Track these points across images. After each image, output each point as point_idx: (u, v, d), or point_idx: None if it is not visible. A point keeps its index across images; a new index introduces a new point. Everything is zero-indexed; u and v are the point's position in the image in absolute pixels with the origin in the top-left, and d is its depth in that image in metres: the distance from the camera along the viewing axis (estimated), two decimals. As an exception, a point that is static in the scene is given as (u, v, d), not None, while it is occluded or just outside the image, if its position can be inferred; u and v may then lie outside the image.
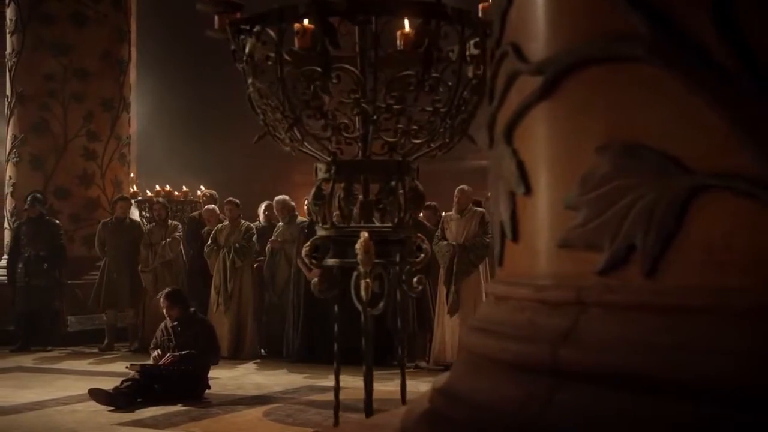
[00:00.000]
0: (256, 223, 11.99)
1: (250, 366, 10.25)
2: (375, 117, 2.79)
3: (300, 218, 11.71)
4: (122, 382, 7.59)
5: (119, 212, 12.16)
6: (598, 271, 1.61)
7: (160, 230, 11.90)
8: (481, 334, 1.94)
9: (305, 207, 13.04)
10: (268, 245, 11.32)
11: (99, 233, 12.13)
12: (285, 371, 9.80)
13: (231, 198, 11.47)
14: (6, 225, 13.70)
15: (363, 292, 2.85)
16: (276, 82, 2.95)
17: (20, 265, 11.96)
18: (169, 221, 12.13)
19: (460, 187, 10.41)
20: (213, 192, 13.00)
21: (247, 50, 2.91)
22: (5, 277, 12.84)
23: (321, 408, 7.43)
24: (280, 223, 11.57)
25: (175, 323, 8.07)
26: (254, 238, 11.23)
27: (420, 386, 8.78)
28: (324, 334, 10.69)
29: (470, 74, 2.93)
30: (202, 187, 14.23)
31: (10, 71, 13.78)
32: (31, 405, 7.54)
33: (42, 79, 13.48)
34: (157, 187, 14.68)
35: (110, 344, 11.88)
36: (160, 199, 12.76)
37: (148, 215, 14.24)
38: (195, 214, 13.14)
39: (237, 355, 10.70)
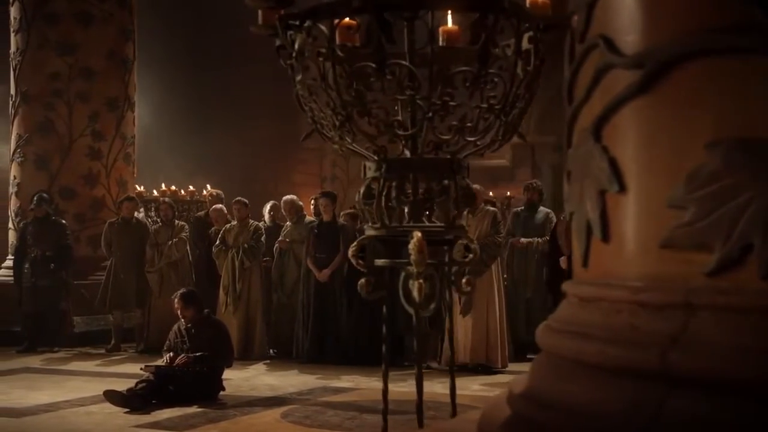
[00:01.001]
0: (262, 222, 11.91)
1: (261, 367, 10.19)
2: (430, 114, 2.72)
3: (308, 218, 11.66)
4: (137, 384, 7.52)
5: (125, 212, 12.06)
6: (708, 272, 1.55)
7: (166, 230, 11.82)
8: (567, 336, 1.87)
9: (311, 207, 13.00)
10: (276, 245, 11.26)
11: (105, 233, 12.04)
12: (296, 372, 9.74)
13: (240, 198, 11.40)
14: (10, 225, 13.58)
15: (416, 293, 2.78)
16: (320, 78, 2.88)
17: (26, 266, 11.87)
18: (176, 221, 12.05)
19: (473, 186, 10.31)
20: (219, 192, 12.92)
21: (296, 46, 2.83)
22: (11, 278, 12.75)
23: (338, 409, 7.37)
24: (288, 223, 11.51)
25: (189, 325, 8.00)
26: (263, 238, 11.15)
27: (434, 387, 8.72)
28: (334, 335, 10.65)
29: (519, 70, 2.87)
30: (209, 187, 14.15)
31: (14, 70, 13.65)
32: (44, 407, 7.47)
33: (47, 79, 13.35)
34: (163, 187, 14.60)
35: (117, 345, 11.81)
36: (167, 199, 12.66)
37: (153, 216, 14.17)
38: (201, 213, 13.06)
39: (246, 356, 10.62)
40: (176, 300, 8.06)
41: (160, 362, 8.15)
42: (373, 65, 2.73)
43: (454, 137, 2.82)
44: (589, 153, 1.84)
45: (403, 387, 8.77)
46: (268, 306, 11.25)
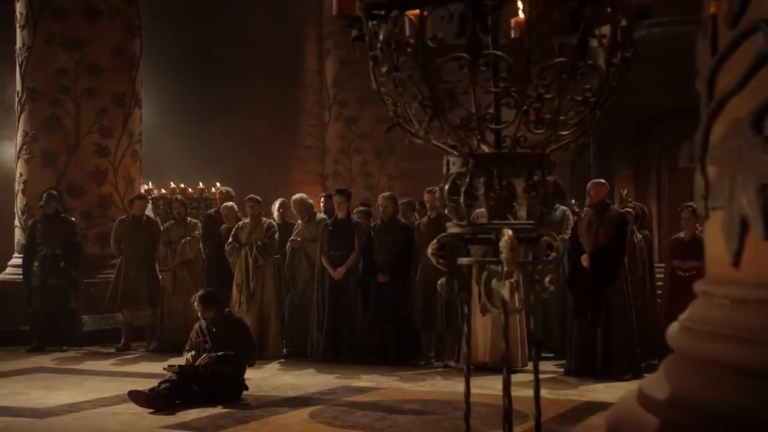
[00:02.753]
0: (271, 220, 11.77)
1: (276, 366, 10.07)
2: (525, 107, 2.62)
3: (319, 216, 11.52)
4: (160, 384, 7.40)
5: (137, 211, 11.90)
6: None
7: (179, 228, 11.68)
8: (719, 340, 1.77)
9: (321, 204, 12.86)
10: (288, 244, 11.13)
11: (115, 231, 11.91)
12: (313, 371, 9.62)
13: (252, 195, 11.27)
14: (17, 223, 13.42)
15: (507, 294, 2.68)
16: (391, 70, 2.78)
17: (36, 264, 11.71)
18: (188, 219, 11.92)
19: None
20: (229, 189, 12.75)
21: (381, 37, 2.73)
22: (16, 276, 12.60)
23: (366, 410, 7.27)
24: (299, 222, 11.39)
25: (210, 324, 7.88)
26: (276, 236, 11.02)
27: (458, 387, 8.62)
28: (349, 333, 10.52)
29: (611, 60, 2.76)
30: (218, 184, 14.02)
31: (20, 66, 13.49)
32: (66, 407, 7.35)
33: (54, 75, 13.19)
34: (172, 185, 14.46)
35: (127, 344, 11.68)
36: (179, 196, 12.51)
37: (161, 213, 14.04)
38: (211, 211, 12.92)
39: (260, 355, 10.45)
40: (196, 302, 7.93)
41: (179, 360, 8.04)
42: (467, 56, 2.63)
43: (547, 131, 2.72)
44: (745, 145, 1.74)
45: (424, 386, 8.69)
46: (281, 304, 11.12)
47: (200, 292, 8.04)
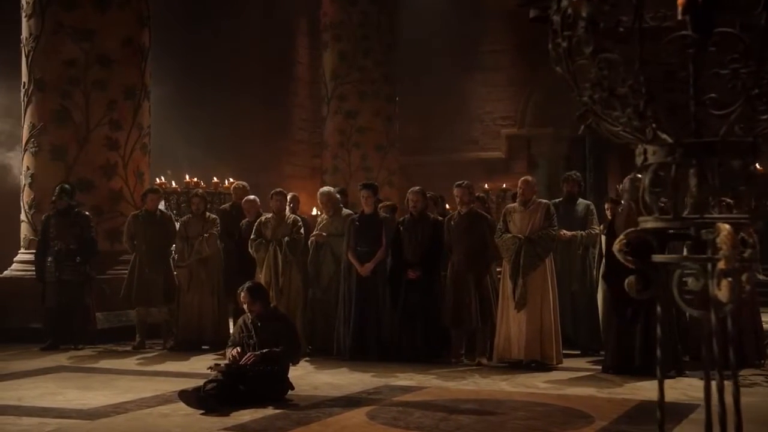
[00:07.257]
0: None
1: (305, 364, 9.79)
2: (757, 90, 2.43)
3: (345, 210, 11.28)
4: (206, 384, 7.15)
5: (150, 205, 11.61)
6: None
7: (197, 224, 11.39)
8: None
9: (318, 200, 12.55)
10: (312, 239, 10.87)
11: (128, 226, 11.59)
12: (347, 370, 9.41)
13: (279, 189, 11.01)
14: (23, 217, 13.04)
15: (725, 295, 2.49)
16: (598, 51, 2.59)
17: (49, 259, 11.38)
18: (208, 214, 11.62)
19: (524, 178, 10.11)
20: (244, 183, 12.48)
21: (584, 15, 2.53)
22: (24, 272, 12.29)
23: (422, 409, 7.07)
24: (324, 216, 11.16)
25: (255, 319, 7.64)
26: (302, 231, 10.77)
27: (500, 384, 8.45)
28: (376, 331, 10.30)
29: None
30: (230, 179, 13.75)
31: (27, 57, 13.09)
32: (111, 408, 7.07)
33: (62, 66, 12.79)
34: (187, 178, 14.17)
35: (142, 342, 11.40)
36: (199, 191, 12.20)
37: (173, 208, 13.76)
38: (226, 206, 12.63)
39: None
40: (243, 294, 7.67)
41: (210, 357, 7.81)
42: (695, 35, 2.43)
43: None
44: None
45: (467, 385, 8.50)
46: (306, 301, 10.89)
47: (248, 284, 7.79)
